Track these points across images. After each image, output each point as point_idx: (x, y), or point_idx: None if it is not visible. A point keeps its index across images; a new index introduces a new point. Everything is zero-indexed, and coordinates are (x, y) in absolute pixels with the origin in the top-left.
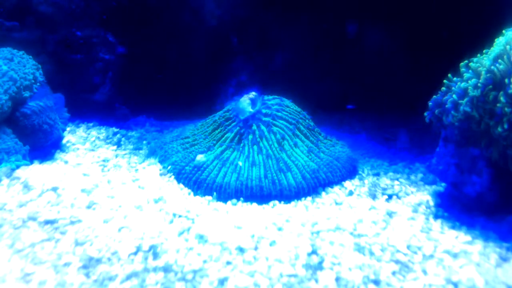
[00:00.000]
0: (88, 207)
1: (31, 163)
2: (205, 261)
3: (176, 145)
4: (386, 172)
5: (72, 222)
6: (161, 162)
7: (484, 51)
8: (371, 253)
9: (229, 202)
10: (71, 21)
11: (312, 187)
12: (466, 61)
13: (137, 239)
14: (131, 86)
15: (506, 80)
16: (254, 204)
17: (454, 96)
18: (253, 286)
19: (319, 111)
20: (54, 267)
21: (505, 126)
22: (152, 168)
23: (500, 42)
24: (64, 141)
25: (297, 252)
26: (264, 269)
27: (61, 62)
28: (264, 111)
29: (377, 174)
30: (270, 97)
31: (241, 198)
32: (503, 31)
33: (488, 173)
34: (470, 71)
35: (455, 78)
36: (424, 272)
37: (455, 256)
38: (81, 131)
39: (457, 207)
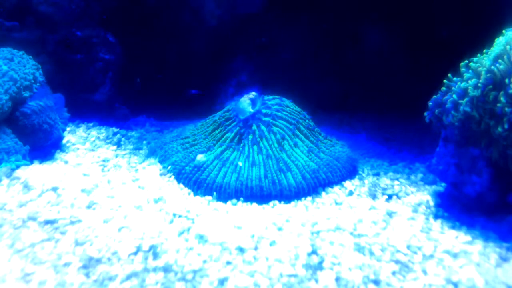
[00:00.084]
0: (88, 207)
1: (31, 163)
2: (205, 261)
3: (176, 145)
4: (386, 172)
5: (72, 222)
6: (161, 162)
7: (484, 51)
8: (371, 253)
9: (229, 202)
10: (71, 21)
11: (312, 187)
12: (466, 61)
13: (137, 239)
14: (131, 86)
15: (506, 80)
16: (254, 204)
17: (454, 96)
18: (253, 286)
19: (319, 111)
20: (54, 267)
21: (505, 126)
22: (152, 168)
23: (500, 42)
24: (64, 141)
25: (297, 252)
26: (264, 269)
27: (61, 62)
28: (264, 111)
29: (377, 174)
30: (270, 97)
31: (241, 198)
32: (503, 31)
33: (488, 173)
34: (470, 71)
35: (455, 78)
36: (424, 272)
37: (455, 256)
38: (81, 131)
39: (457, 207)
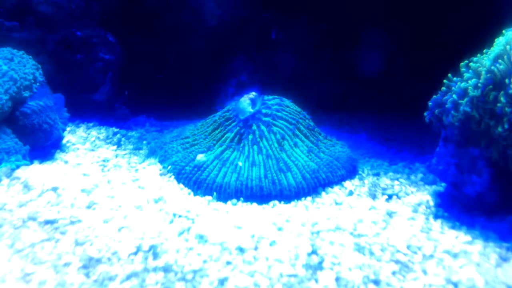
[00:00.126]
0: (88, 207)
1: (31, 163)
2: (205, 261)
3: (176, 145)
4: (386, 172)
5: (72, 222)
6: (161, 162)
7: (484, 51)
8: (371, 253)
9: (229, 202)
10: (71, 21)
11: (312, 187)
12: (466, 61)
13: (137, 239)
14: (131, 86)
15: (507, 80)
16: (254, 204)
17: (454, 96)
18: (253, 286)
19: (319, 111)
20: (54, 267)
21: (505, 126)
22: (152, 168)
23: (500, 42)
24: (64, 141)
25: (297, 252)
26: (264, 269)
27: (61, 62)
28: (264, 111)
29: (377, 174)
30: (270, 97)
31: (241, 198)
32: (503, 31)
33: (488, 173)
34: (470, 71)
35: (455, 78)
36: (424, 272)
37: (455, 256)
38: (81, 131)
39: (457, 207)
